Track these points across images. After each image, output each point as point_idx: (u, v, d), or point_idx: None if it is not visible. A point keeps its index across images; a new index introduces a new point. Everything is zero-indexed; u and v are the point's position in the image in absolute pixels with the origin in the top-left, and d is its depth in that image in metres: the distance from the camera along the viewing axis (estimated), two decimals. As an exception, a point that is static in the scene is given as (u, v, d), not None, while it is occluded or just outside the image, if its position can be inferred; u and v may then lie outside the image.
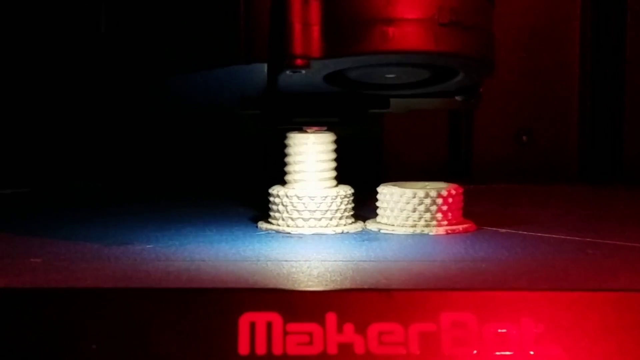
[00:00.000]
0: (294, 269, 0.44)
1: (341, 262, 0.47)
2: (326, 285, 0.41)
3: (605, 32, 0.84)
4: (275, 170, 0.57)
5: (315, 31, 0.47)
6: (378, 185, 0.56)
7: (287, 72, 0.48)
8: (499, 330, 0.38)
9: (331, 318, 0.38)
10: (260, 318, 0.38)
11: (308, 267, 0.45)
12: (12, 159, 0.77)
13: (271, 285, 0.41)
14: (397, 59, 0.49)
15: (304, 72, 0.48)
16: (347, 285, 0.41)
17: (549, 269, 0.45)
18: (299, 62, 0.47)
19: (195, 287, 0.40)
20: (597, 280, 0.42)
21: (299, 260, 0.46)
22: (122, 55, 0.61)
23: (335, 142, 0.56)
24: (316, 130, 0.56)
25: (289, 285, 0.40)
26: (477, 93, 0.56)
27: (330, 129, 0.56)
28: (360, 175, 0.60)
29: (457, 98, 0.56)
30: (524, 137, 0.84)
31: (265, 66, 0.49)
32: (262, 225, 0.56)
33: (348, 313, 0.38)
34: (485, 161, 0.84)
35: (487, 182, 0.81)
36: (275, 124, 0.56)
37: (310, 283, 0.41)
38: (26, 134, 0.78)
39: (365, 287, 0.40)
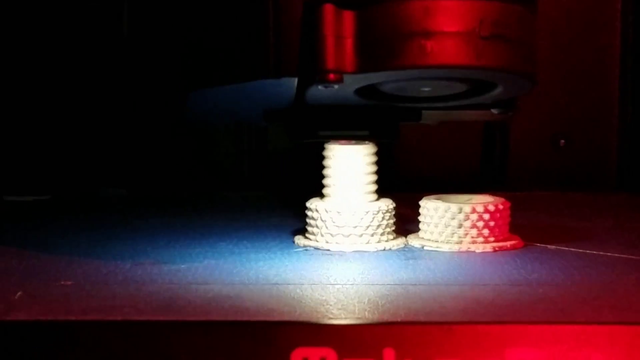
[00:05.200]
0: (341, 295, 0.42)
1: (389, 285, 0.44)
2: (380, 315, 0.38)
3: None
4: (300, 180, 0.55)
5: (349, 44, 0.45)
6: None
7: (319, 86, 0.46)
8: (568, 368, 0.36)
9: (389, 354, 0.36)
10: (314, 354, 0.36)
11: (356, 292, 0.42)
12: (33, 166, 0.75)
13: (321, 315, 0.38)
14: (435, 74, 0.47)
15: (336, 87, 0.46)
16: (401, 315, 0.39)
17: (611, 295, 0.42)
18: (331, 76, 0.45)
19: (242, 320, 0.37)
20: (667, 310, 0.40)
21: (345, 284, 0.44)
22: (146, 63, 0.59)
23: (376, 153, 0.54)
24: (352, 143, 0.53)
25: (340, 316, 0.38)
26: (515, 106, 0.54)
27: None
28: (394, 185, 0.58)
29: (494, 111, 0.54)
30: (562, 142, 0.81)
31: (294, 80, 0.47)
32: (300, 240, 0.53)
33: (406, 348, 0.36)
34: (520, 167, 0.81)
35: (523, 188, 0.79)
36: (301, 137, 0.54)
37: (363, 313, 0.38)
38: (47, 140, 0.76)
39: (422, 319, 0.38)
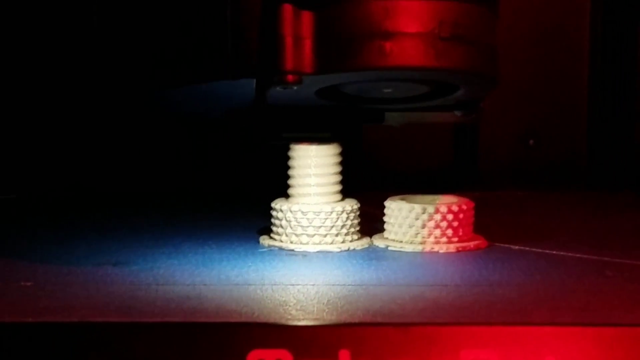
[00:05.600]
0: (301, 295, 0.42)
1: (350, 286, 0.44)
2: (338, 316, 0.38)
3: (616, 33, 0.82)
4: (271, 179, 0.55)
5: (308, 45, 0.45)
6: (377, 193, 0.55)
7: (278, 88, 0.46)
8: (523, 369, 0.36)
9: (344, 355, 0.36)
10: (269, 355, 0.36)
11: (316, 293, 0.42)
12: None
13: (279, 316, 0.38)
14: (395, 75, 0.47)
15: (295, 88, 0.46)
16: (359, 316, 0.39)
17: (569, 296, 0.42)
18: (290, 78, 0.45)
19: (199, 321, 0.37)
20: (620, 311, 0.40)
21: (306, 284, 0.44)
22: (113, 58, 0.59)
23: (341, 153, 0.54)
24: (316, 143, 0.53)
25: (298, 317, 0.38)
26: (478, 108, 0.54)
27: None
28: (365, 183, 0.58)
29: (457, 113, 0.54)
30: (531, 141, 0.82)
31: (253, 81, 0.46)
32: (264, 240, 0.53)
33: (362, 350, 0.36)
34: (491, 165, 0.82)
35: (494, 187, 0.79)
36: (264, 139, 0.54)
37: (321, 314, 0.39)
38: (13, 138, 0.75)
39: (379, 320, 0.38)
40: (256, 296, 0.42)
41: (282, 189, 0.55)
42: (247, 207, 0.68)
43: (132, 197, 0.76)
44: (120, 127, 0.76)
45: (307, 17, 0.45)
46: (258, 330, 0.37)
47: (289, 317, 0.38)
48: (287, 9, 0.44)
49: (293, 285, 0.44)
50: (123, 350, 0.36)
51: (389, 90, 0.50)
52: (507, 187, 0.80)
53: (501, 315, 0.39)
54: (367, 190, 0.56)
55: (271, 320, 0.38)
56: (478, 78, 0.48)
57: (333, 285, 0.44)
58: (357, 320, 0.38)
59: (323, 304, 0.40)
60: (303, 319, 0.38)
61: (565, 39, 0.82)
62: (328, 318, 0.38)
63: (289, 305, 0.40)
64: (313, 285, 0.44)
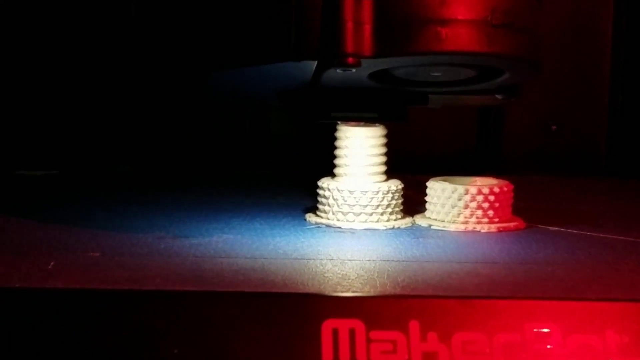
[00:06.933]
0: (361, 270, 0.43)
1: (404, 261, 0.46)
2: (401, 289, 0.40)
3: (638, 24, 0.84)
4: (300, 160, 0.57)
5: (367, 30, 0.47)
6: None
7: (338, 70, 0.47)
8: (583, 342, 0.38)
9: (414, 326, 0.38)
10: (343, 325, 0.38)
11: (374, 268, 0.44)
12: (43, 140, 0.76)
13: (344, 289, 0.40)
14: (448, 60, 0.49)
15: (354, 70, 0.47)
16: (421, 289, 0.40)
17: (616, 274, 0.44)
18: (350, 60, 0.47)
19: (272, 291, 0.39)
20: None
21: (362, 260, 0.46)
22: (158, 44, 0.60)
23: (386, 135, 0.55)
24: (362, 125, 0.55)
25: (364, 290, 0.40)
26: (518, 92, 0.56)
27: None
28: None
29: (498, 96, 0.56)
30: (554, 127, 0.83)
31: (313, 63, 0.48)
32: (311, 218, 0.55)
33: (431, 321, 0.38)
34: (513, 151, 0.83)
35: (515, 172, 0.81)
36: (314, 118, 0.55)
37: (385, 287, 0.40)
38: (57, 115, 0.76)
39: (442, 293, 0.40)
40: (317, 270, 0.43)
41: (314, 169, 0.57)
42: (281, 186, 0.69)
43: (172, 176, 0.77)
44: (163, 106, 0.77)
45: (367, 4, 0.46)
46: (330, 301, 0.38)
47: (355, 289, 0.40)
48: None
49: (350, 260, 0.46)
50: (200, 317, 0.37)
51: (438, 74, 0.52)
52: (529, 171, 0.81)
53: (556, 291, 0.41)
54: (392, 172, 0.58)
55: (338, 292, 0.40)
56: (525, 64, 0.50)
57: (387, 260, 0.46)
58: (421, 293, 0.40)
59: (384, 277, 0.42)
60: (370, 291, 0.39)
61: (589, 30, 0.84)
62: (392, 291, 0.40)
63: (352, 279, 0.42)
64: (369, 260, 0.46)
